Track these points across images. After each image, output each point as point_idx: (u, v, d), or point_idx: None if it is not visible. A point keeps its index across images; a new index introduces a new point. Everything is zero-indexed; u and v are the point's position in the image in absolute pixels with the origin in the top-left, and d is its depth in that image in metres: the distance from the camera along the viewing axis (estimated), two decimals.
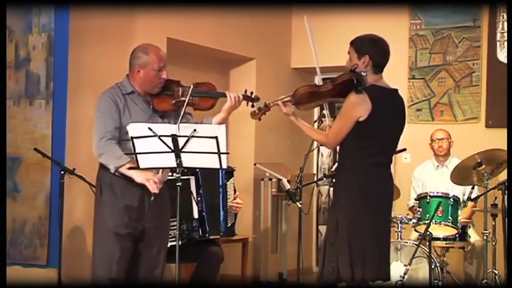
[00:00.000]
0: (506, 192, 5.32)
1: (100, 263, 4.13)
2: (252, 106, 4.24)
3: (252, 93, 4.23)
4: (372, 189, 3.97)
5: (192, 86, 4.04)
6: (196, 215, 5.13)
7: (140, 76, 4.12)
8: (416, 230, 5.63)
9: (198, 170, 5.07)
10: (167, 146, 3.83)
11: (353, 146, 3.98)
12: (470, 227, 5.92)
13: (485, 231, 5.35)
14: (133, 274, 4.20)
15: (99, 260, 4.14)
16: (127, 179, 4.06)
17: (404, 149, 6.00)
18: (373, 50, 4.00)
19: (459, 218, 5.58)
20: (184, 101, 4.01)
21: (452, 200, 5.52)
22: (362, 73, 3.98)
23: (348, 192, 4.00)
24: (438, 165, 6.30)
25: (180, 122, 3.89)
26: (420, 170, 6.39)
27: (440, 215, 5.47)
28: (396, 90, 4.14)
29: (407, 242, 5.54)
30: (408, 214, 5.83)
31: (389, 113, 3.99)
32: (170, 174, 4.36)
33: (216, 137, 3.81)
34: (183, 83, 4.19)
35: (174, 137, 3.82)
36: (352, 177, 3.99)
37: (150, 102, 4.16)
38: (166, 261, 4.30)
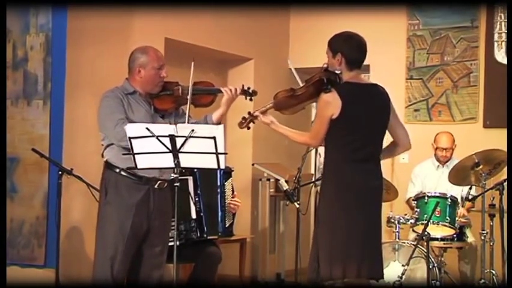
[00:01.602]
0: (504, 192, 5.31)
1: (102, 262, 4.15)
2: (250, 100, 4.32)
3: (249, 88, 4.30)
4: (354, 185, 3.96)
5: (190, 85, 4.11)
6: (194, 215, 5.13)
7: (141, 76, 4.19)
8: (414, 230, 5.64)
9: (195, 170, 5.07)
10: (165, 146, 3.83)
11: (334, 144, 4.01)
12: (467, 227, 5.93)
13: (483, 232, 5.35)
14: (134, 274, 4.23)
15: (101, 259, 4.15)
16: (133, 176, 4.10)
17: None
18: (347, 46, 4.02)
19: (457, 218, 5.59)
20: (184, 98, 4.10)
21: (449, 200, 5.53)
22: (336, 71, 4.01)
23: (329, 190, 4.02)
24: (438, 166, 6.30)
25: (181, 121, 3.95)
26: (420, 168, 6.38)
27: (438, 215, 5.48)
28: (374, 85, 4.14)
29: (404, 242, 5.54)
30: (406, 214, 5.82)
31: (364, 108, 3.99)
32: None
33: (214, 137, 3.81)
34: (181, 83, 4.25)
35: (172, 137, 3.82)
36: (334, 175, 4.01)
37: (151, 103, 4.22)
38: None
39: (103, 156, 4.22)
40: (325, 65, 4.07)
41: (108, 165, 4.18)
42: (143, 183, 4.13)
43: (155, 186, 4.16)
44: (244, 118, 4.25)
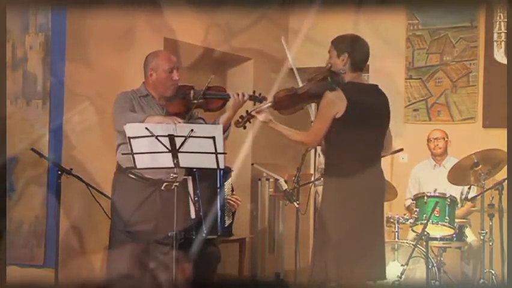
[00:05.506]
0: (503, 192, 5.32)
1: (113, 258, 4.29)
2: None
3: (260, 94, 4.38)
4: (358, 187, 3.96)
5: (203, 89, 4.26)
6: (193, 215, 5.12)
7: (154, 79, 4.33)
8: (413, 230, 5.64)
9: (195, 170, 5.07)
10: (165, 146, 3.84)
11: (336, 144, 4.00)
12: (467, 227, 5.93)
13: (482, 231, 5.35)
14: (142, 271, 4.32)
15: (112, 255, 4.30)
16: (140, 178, 4.20)
17: (401, 149, 6.02)
18: (352, 48, 4.03)
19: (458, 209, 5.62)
20: (195, 103, 4.26)
21: (449, 200, 5.53)
22: (341, 71, 4.02)
23: (332, 191, 4.01)
24: (435, 165, 6.31)
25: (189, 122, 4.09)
26: (417, 169, 6.40)
27: (437, 215, 5.47)
28: (375, 86, 4.15)
29: (404, 242, 5.54)
30: (405, 214, 5.83)
31: (366, 108, 4.00)
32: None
33: (213, 137, 3.81)
34: (196, 87, 4.37)
35: (171, 137, 3.82)
36: (336, 176, 4.00)
37: (164, 106, 4.34)
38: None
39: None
40: (329, 65, 4.07)
41: (118, 166, 4.32)
42: (150, 184, 4.24)
43: (162, 187, 4.24)
44: (241, 117, 4.26)
